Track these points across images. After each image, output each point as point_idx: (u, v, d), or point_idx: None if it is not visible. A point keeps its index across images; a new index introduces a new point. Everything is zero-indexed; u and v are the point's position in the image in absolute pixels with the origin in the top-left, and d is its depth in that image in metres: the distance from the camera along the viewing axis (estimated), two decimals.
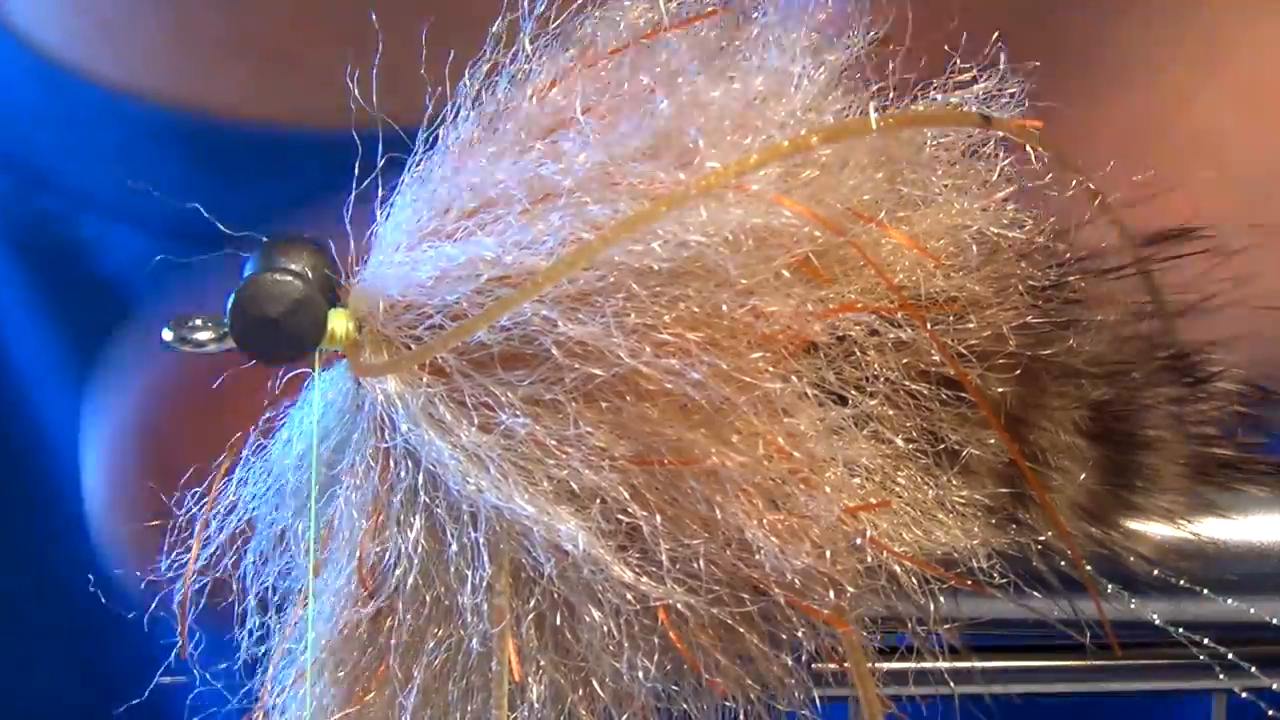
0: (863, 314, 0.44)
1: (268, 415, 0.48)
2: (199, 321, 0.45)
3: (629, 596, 0.43)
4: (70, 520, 0.77)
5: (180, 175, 0.77)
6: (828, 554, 0.43)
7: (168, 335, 0.45)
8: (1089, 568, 0.46)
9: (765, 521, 0.42)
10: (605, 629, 0.44)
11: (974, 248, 0.45)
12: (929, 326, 0.44)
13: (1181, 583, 0.47)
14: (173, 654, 0.48)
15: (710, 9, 0.45)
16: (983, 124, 0.45)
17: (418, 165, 0.46)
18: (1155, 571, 0.47)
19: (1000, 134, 0.45)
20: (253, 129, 0.77)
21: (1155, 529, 0.47)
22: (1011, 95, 0.46)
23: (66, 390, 0.79)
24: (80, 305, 0.80)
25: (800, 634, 0.44)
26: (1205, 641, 0.47)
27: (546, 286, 0.42)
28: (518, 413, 0.43)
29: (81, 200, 0.80)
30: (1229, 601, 0.47)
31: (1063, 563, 0.46)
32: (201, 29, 0.78)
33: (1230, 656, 0.47)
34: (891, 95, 0.46)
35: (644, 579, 0.43)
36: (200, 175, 0.77)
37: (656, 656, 0.44)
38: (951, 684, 0.46)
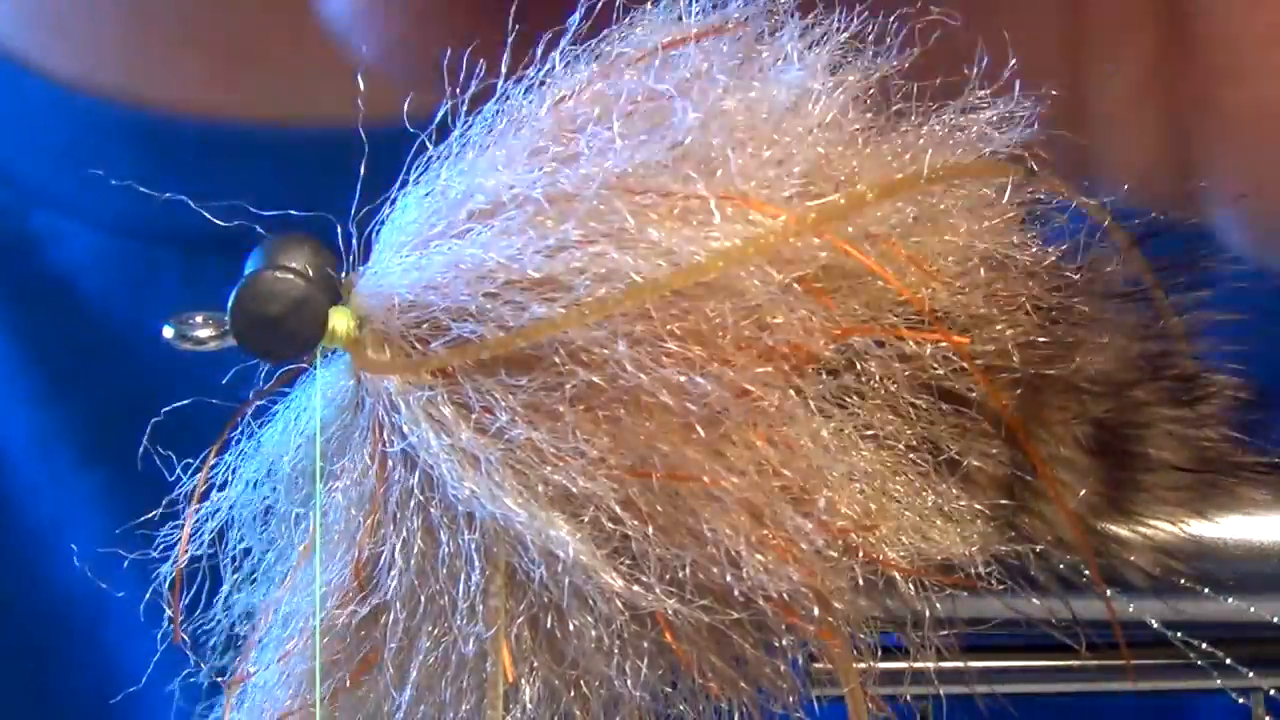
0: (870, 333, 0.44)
1: (258, 405, 0.47)
2: (199, 318, 0.45)
3: (618, 603, 0.43)
4: (20, 532, 0.76)
5: (134, 172, 0.75)
6: (817, 571, 0.43)
7: (168, 332, 0.45)
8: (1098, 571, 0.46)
9: (754, 539, 0.42)
10: (597, 632, 0.44)
11: (981, 269, 0.45)
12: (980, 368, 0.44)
13: (1182, 583, 0.47)
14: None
15: (733, 22, 0.45)
16: (1027, 176, 0.45)
17: (423, 167, 0.46)
18: (1157, 571, 0.47)
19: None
20: (209, 125, 0.76)
21: (1155, 531, 0.47)
22: (1024, 118, 0.46)
23: (15, 387, 0.78)
24: (31, 300, 0.79)
25: (792, 640, 0.44)
26: (1204, 645, 0.47)
27: (592, 319, 0.42)
28: (517, 417, 0.43)
29: (33, 195, 0.79)
30: (1229, 601, 0.47)
31: (1061, 565, 0.46)
32: (157, 22, 0.77)
33: (1229, 662, 0.47)
34: (912, 115, 0.46)
35: (635, 586, 0.43)
36: (155, 172, 0.75)
37: (649, 659, 0.44)
38: (945, 684, 0.47)
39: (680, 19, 0.45)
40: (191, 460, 0.47)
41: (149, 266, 0.76)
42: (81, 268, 0.78)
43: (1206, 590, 0.47)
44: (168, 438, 0.47)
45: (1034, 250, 0.45)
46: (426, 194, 0.45)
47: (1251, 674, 0.48)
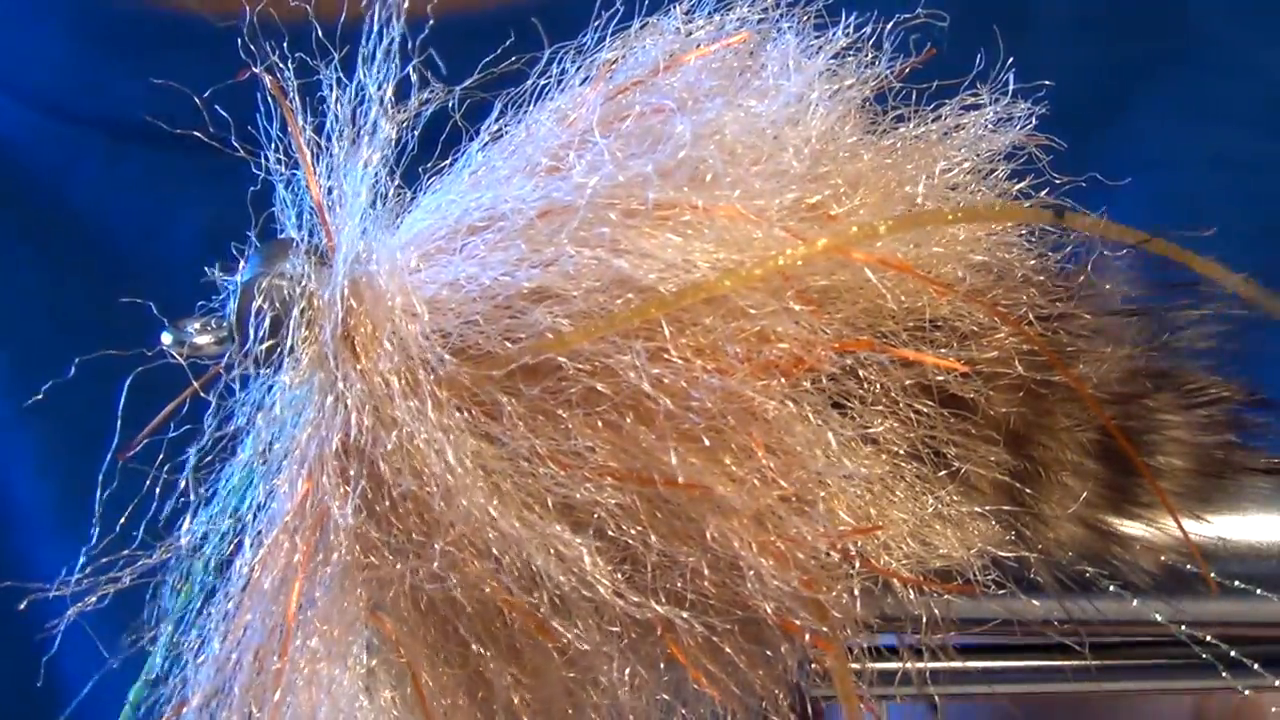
0: (871, 339, 0.44)
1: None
2: (197, 325, 0.45)
3: (617, 611, 0.43)
4: None
5: (63, 50, 0.75)
6: (816, 578, 0.43)
7: (166, 339, 0.45)
8: (1089, 568, 0.47)
9: (755, 546, 0.42)
10: (597, 638, 0.44)
11: (972, 275, 0.45)
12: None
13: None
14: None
15: (733, 36, 0.45)
16: (1056, 221, 0.44)
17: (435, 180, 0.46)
18: (1157, 572, 0.47)
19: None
20: (141, 7, 0.75)
21: (1156, 531, 0.47)
22: (1020, 117, 0.46)
23: None
24: None
25: (791, 647, 0.44)
26: (1208, 638, 0.47)
27: (599, 333, 0.42)
28: (521, 424, 0.43)
29: None
30: (1228, 601, 0.47)
31: (1059, 571, 0.46)
32: None
33: (1234, 654, 0.47)
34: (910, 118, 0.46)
35: (634, 595, 0.43)
36: (84, 52, 0.75)
37: (643, 666, 0.44)
38: (948, 685, 0.47)
39: (679, 30, 0.45)
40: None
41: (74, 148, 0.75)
42: (6, 140, 0.77)
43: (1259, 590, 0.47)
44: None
45: (1033, 259, 0.45)
46: (427, 208, 0.45)
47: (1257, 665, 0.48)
